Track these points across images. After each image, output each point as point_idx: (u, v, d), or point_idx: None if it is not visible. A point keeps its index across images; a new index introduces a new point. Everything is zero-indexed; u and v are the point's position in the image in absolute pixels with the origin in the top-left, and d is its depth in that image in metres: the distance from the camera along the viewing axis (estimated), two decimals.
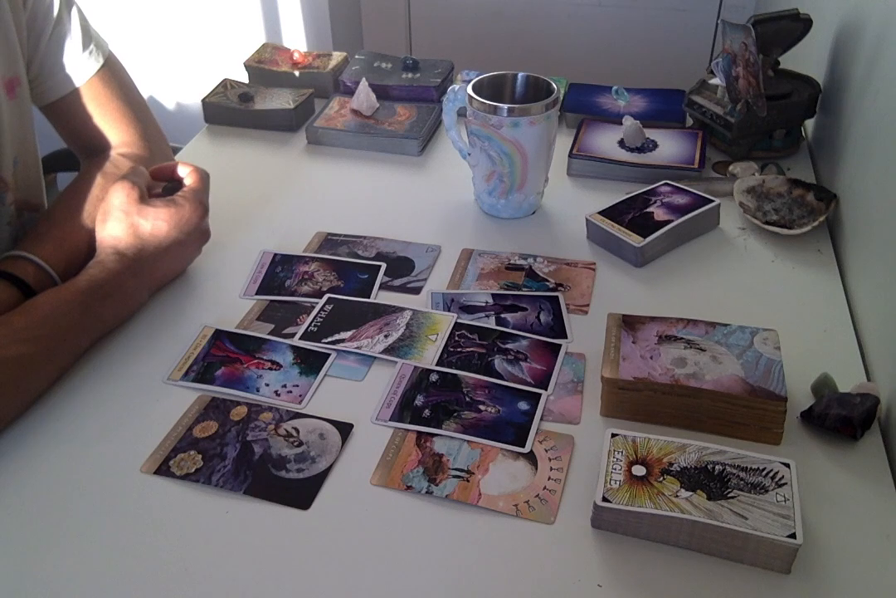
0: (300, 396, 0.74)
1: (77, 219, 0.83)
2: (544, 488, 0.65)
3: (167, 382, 0.75)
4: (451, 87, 0.98)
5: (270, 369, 0.76)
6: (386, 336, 0.79)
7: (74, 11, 0.88)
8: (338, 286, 0.87)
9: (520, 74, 0.99)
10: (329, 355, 0.78)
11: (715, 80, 1.11)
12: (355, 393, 0.74)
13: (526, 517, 0.63)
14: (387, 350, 0.78)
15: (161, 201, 0.82)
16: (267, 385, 0.75)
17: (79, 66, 0.88)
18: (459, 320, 0.82)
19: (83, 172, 0.89)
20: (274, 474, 0.66)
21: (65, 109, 0.90)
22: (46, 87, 0.88)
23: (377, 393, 0.74)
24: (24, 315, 0.72)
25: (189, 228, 0.83)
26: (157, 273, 0.84)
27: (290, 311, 0.84)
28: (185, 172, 0.87)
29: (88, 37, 0.89)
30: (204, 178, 0.87)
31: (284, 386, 0.75)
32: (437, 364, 0.76)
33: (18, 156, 0.85)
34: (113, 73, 0.92)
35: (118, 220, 0.80)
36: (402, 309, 0.83)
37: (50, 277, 0.79)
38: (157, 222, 0.81)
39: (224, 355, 0.78)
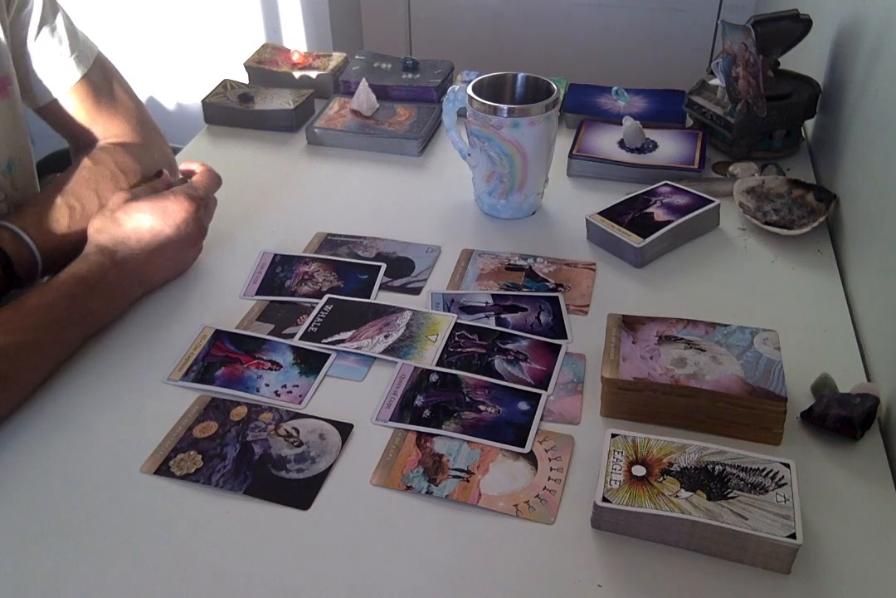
0: (300, 396, 0.74)
1: (58, 193, 0.84)
2: (544, 488, 0.65)
3: (167, 382, 0.75)
4: (451, 88, 0.98)
5: (270, 369, 0.76)
6: (386, 336, 0.79)
7: (60, 16, 0.87)
8: (338, 287, 0.87)
9: (520, 75, 0.99)
10: (329, 355, 0.78)
11: (715, 81, 1.11)
12: (355, 393, 0.74)
13: (526, 517, 0.63)
14: (387, 350, 0.78)
15: (146, 196, 0.84)
16: (267, 385, 0.75)
17: (67, 69, 0.88)
18: (459, 321, 0.82)
19: (74, 160, 0.90)
20: (274, 474, 0.66)
21: (57, 111, 0.90)
22: (36, 92, 0.87)
23: (377, 393, 0.74)
24: (10, 309, 0.73)
25: (175, 221, 0.83)
26: (145, 267, 0.84)
27: (290, 311, 0.84)
28: (196, 170, 0.90)
29: (76, 40, 0.89)
30: (206, 176, 0.88)
31: (284, 386, 0.75)
32: (437, 364, 0.76)
33: (13, 157, 0.85)
34: (103, 73, 0.91)
35: (102, 215, 0.82)
36: (401, 309, 0.83)
37: (27, 247, 0.79)
38: (138, 215, 0.82)
39: (224, 356, 0.78)
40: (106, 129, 0.92)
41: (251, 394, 0.74)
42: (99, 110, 0.91)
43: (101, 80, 0.91)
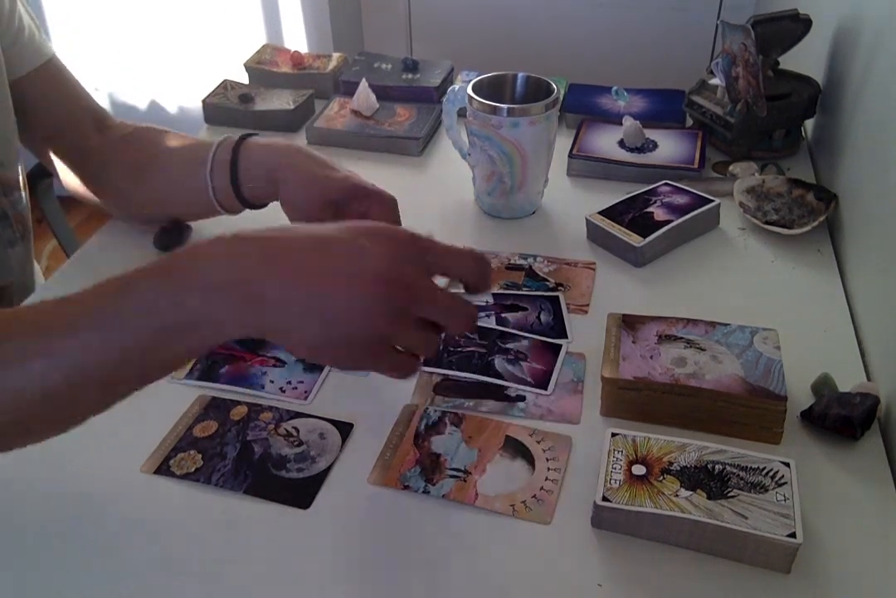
0: (305, 392, 0.74)
1: None
2: (541, 488, 0.65)
3: (171, 381, 0.75)
4: (451, 88, 0.98)
5: (274, 366, 0.76)
6: None
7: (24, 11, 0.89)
8: None
9: (520, 75, 0.99)
10: None
11: (715, 81, 1.11)
12: (360, 389, 0.74)
13: (522, 517, 0.63)
14: None
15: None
16: (272, 382, 0.75)
17: (42, 45, 0.88)
18: None
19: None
20: (274, 473, 0.66)
21: (51, 74, 0.89)
22: (24, 54, 0.87)
23: (381, 389, 0.74)
24: None
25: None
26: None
27: None
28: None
29: (39, 29, 0.90)
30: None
31: (289, 382, 0.75)
32: (436, 365, 0.76)
33: None
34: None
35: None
36: None
37: None
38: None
39: (228, 354, 0.78)
40: (90, 105, 0.92)
41: (257, 391, 0.74)
42: (77, 86, 0.91)
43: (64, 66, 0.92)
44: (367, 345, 0.53)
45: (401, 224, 0.77)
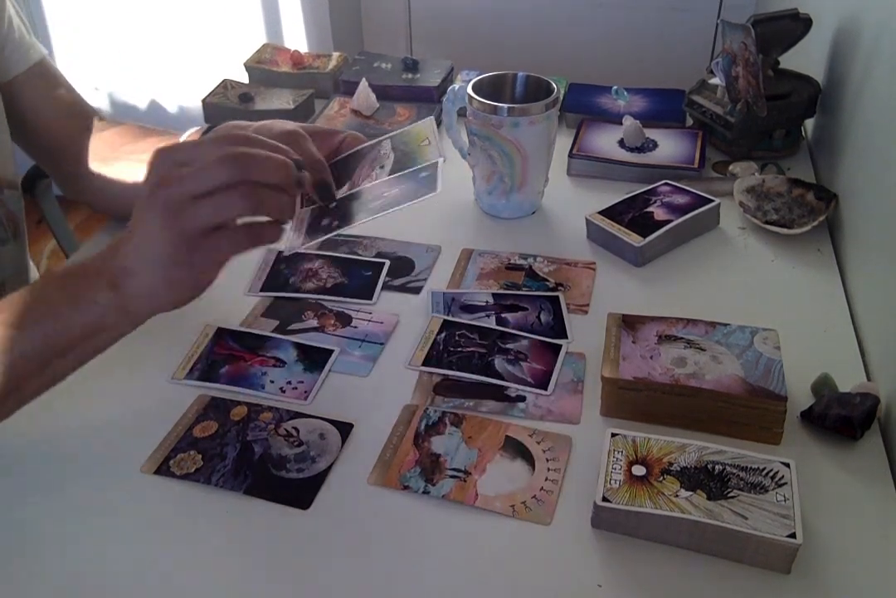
0: (305, 392, 0.74)
1: None
2: (541, 488, 0.65)
3: (171, 381, 0.75)
4: (451, 87, 0.98)
5: (275, 366, 0.76)
6: (382, 167, 0.70)
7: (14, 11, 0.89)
8: (342, 283, 0.87)
9: (520, 74, 0.99)
10: (332, 351, 0.78)
11: (715, 80, 1.11)
12: (360, 389, 0.75)
13: (522, 517, 0.63)
14: (394, 172, 0.69)
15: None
16: (272, 382, 0.75)
17: (31, 46, 0.88)
18: (459, 320, 0.82)
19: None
20: (274, 474, 0.66)
21: (41, 76, 0.89)
22: (14, 57, 0.87)
23: (381, 389, 0.74)
24: None
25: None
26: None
27: (294, 307, 0.84)
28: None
29: (29, 30, 0.90)
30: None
31: (290, 383, 0.75)
32: (436, 365, 0.76)
33: None
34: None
35: None
36: (378, 142, 0.73)
37: None
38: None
39: (228, 354, 0.78)
40: (80, 106, 0.92)
41: (257, 391, 0.74)
42: (67, 87, 0.91)
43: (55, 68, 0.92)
44: (199, 238, 0.58)
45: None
